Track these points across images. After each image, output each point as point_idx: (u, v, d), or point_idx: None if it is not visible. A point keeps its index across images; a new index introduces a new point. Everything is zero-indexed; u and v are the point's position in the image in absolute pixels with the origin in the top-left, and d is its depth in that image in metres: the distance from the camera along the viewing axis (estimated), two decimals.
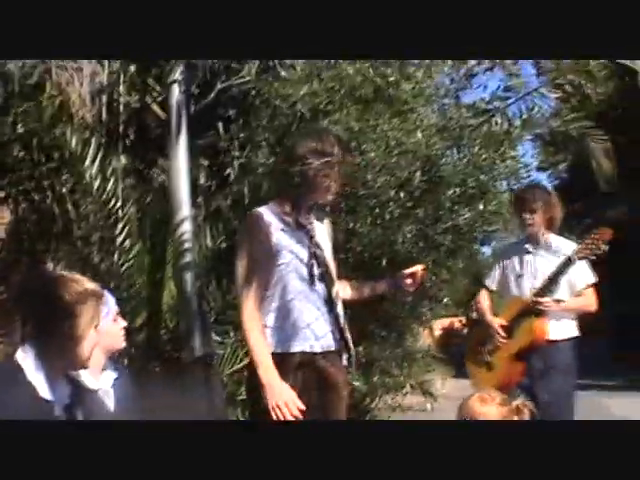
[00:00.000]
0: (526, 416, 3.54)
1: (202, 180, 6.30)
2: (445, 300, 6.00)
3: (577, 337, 4.48)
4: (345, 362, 3.34)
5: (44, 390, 2.39)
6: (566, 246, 4.44)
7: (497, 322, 4.48)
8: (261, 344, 3.18)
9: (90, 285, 2.51)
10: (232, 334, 5.32)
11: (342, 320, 3.32)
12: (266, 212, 3.31)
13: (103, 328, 2.95)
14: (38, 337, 2.41)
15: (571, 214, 13.87)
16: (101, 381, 3.05)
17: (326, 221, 3.48)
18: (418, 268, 3.50)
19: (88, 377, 2.96)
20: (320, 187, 3.24)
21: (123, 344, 3.12)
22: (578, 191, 15.98)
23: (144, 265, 5.23)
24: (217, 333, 5.36)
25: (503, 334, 4.44)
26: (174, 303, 5.06)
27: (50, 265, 4.93)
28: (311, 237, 3.31)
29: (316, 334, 3.26)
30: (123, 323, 3.12)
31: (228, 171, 6.11)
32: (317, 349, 3.26)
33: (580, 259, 4.26)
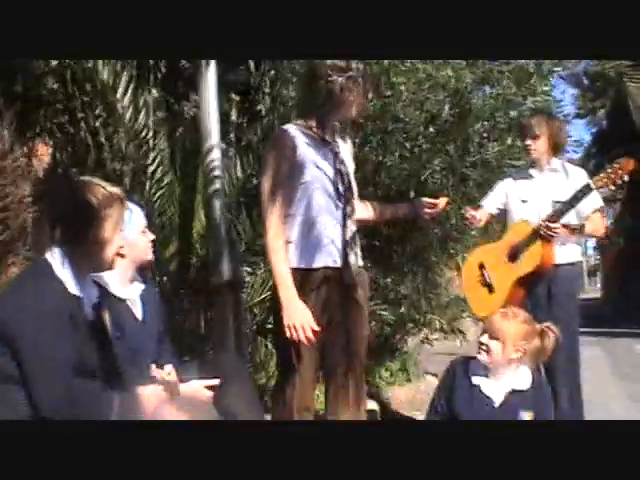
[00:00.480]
0: (551, 341, 3.60)
1: (233, 116, 6.36)
2: (473, 232, 6.00)
3: (580, 261, 4.53)
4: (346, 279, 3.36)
5: (73, 287, 2.51)
6: (572, 171, 4.47)
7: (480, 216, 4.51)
8: (282, 263, 3.23)
9: (114, 189, 2.61)
10: (262, 264, 5.42)
11: (349, 238, 3.36)
12: (291, 128, 3.36)
13: (131, 240, 3.07)
14: (66, 240, 2.53)
15: (610, 160, 13.69)
16: (129, 291, 3.16)
17: (349, 140, 3.53)
18: (441, 201, 3.54)
19: (116, 286, 3.08)
20: (343, 103, 3.28)
21: (150, 256, 3.23)
22: (617, 137, 15.74)
23: (175, 195, 5.32)
24: (247, 264, 5.47)
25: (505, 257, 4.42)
26: (204, 232, 5.16)
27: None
28: (336, 153, 3.36)
29: (338, 249, 3.33)
30: (151, 236, 3.23)
31: (259, 107, 6.16)
32: (339, 264, 3.33)
33: (600, 187, 4.24)
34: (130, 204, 3.16)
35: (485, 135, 5.55)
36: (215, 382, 2.95)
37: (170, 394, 2.68)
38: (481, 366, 3.60)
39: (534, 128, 4.43)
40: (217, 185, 4.63)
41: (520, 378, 3.60)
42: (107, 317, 2.74)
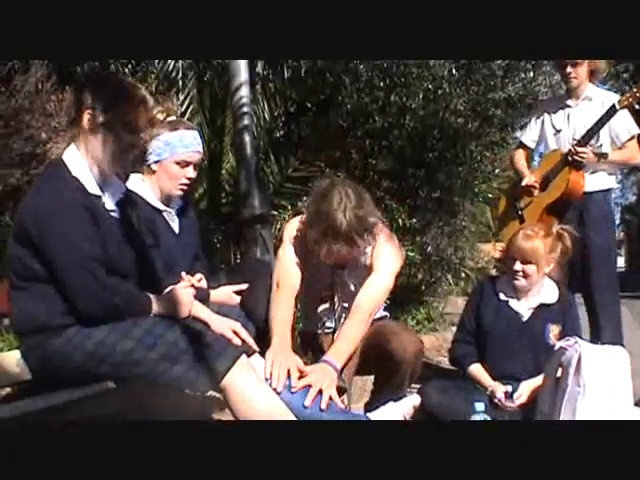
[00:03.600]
0: (568, 241, 3.66)
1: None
2: (497, 171, 6.02)
3: (613, 189, 4.40)
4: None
5: (92, 187, 2.55)
6: (606, 97, 4.31)
7: (532, 179, 4.38)
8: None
9: (148, 96, 2.65)
10: (289, 207, 5.52)
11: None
12: (298, 226, 3.22)
13: (164, 161, 3.12)
14: (100, 126, 2.54)
15: None
16: (164, 205, 3.20)
17: (380, 240, 3.18)
18: None
19: (151, 197, 3.14)
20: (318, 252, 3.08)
21: (178, 193, 3.18)
22: None
23: (205, 136, 5.39)
24: (274, 207, 5.55)
25: (537, 189, 4.36)
26: (233, 172, 5.23)
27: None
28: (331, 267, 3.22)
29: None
30: (192, 174, 3.18)
31: None
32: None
33: (623, 107, 4.13)
34: (187, 133, 3.13)
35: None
36: (243, 287, 3.08)
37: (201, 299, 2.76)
38: (509, 285, 3.65)
39: None
40: (246, 121, 4.71)
41: (547, 292, 3.65)
42: (134, 219, 2.73)
